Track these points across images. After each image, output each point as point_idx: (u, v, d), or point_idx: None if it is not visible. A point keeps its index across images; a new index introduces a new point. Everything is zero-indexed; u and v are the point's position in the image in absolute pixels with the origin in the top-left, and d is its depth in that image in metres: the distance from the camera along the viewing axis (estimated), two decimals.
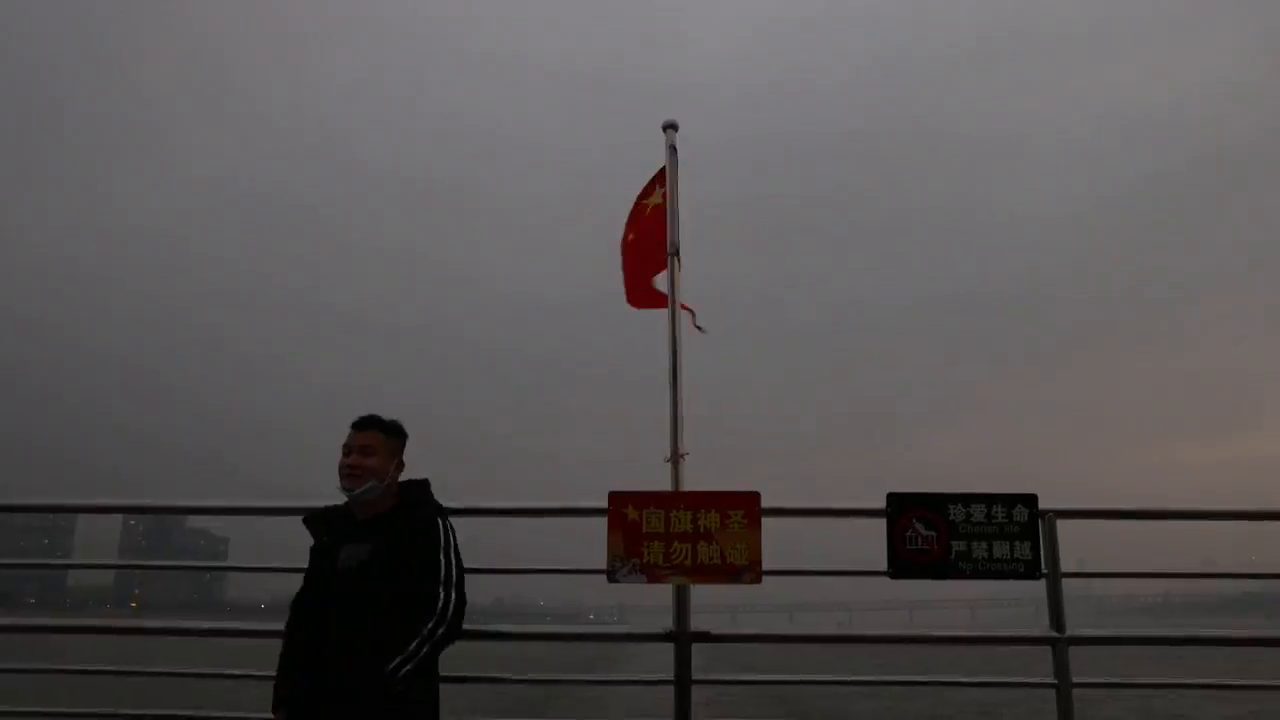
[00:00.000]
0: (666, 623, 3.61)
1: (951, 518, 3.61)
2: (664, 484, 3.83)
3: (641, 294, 4.46)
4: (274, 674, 3.19)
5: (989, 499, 3.64)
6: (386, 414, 3.29)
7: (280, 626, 3.27)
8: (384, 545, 3.08)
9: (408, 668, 2.90)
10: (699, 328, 4.31)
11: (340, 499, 3.26)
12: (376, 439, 3.22)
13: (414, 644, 2.93)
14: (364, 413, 3.28)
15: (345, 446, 3.21)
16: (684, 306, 4.24)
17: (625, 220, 4.58)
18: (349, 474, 3.15)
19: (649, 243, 4.42)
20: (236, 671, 3.81)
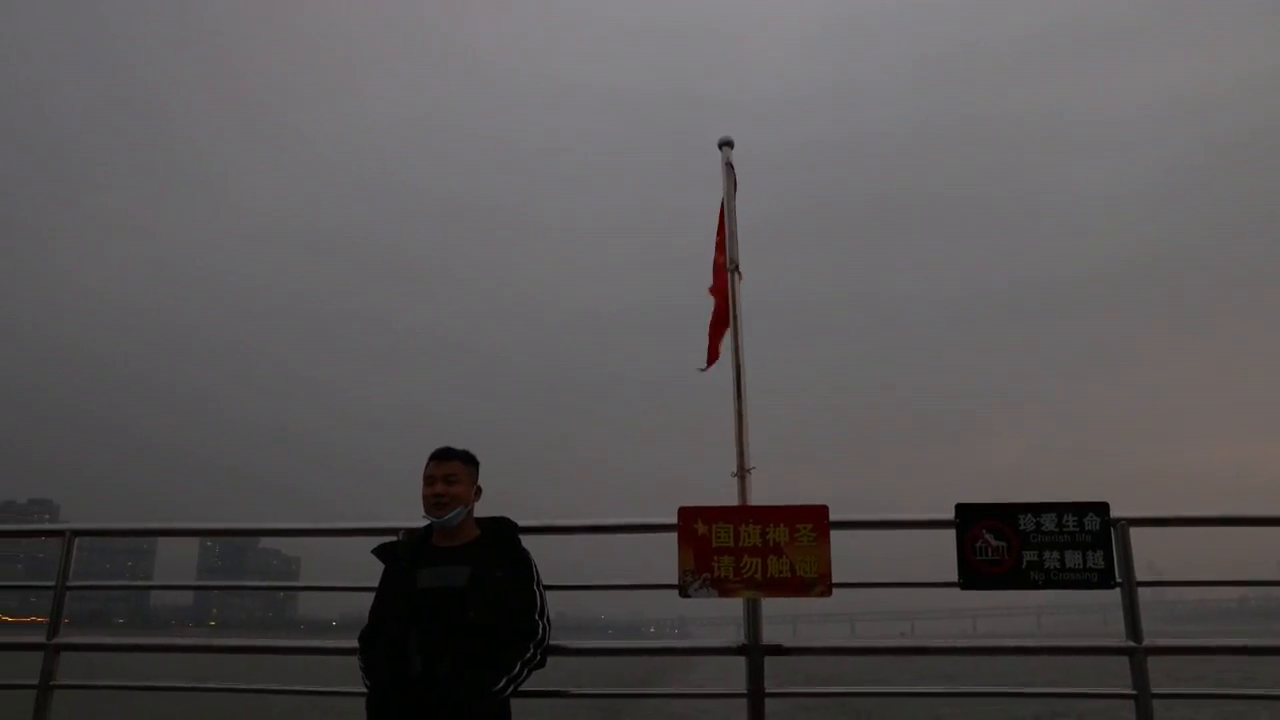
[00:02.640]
0: (730, 636, 3.66)
1: (1022, 528, 3.61)
2: (731, 498, 3.89)
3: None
4: (347, 690, 3.34)
5: (1060, 508, 3.62)
6: (450, 435, 3.48)
7: (350, 644, 3.43)
8: (481, 572, 3.25)
9: (511, 689, 3.16)
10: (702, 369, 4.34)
11: (403, 525, 3.54)
12: (458, 468, 3.42)
13: (517, 666, 3.17)
14: (440, 444, 3.47)
15: (429, 477, 3.40)
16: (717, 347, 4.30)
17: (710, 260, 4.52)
18: (437, 502, 3.35)
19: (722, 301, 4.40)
20: (317, 688, 3.95)
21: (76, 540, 4.28)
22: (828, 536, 3.54)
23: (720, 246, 4.46)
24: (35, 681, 4.02)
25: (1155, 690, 3.51)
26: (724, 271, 4.39)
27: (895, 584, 3.84)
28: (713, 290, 4.41)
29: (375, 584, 3.46)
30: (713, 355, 4.36)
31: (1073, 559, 3.57)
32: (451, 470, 3.39)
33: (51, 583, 4.21)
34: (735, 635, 3.90)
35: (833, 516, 3.56)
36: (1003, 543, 3.60)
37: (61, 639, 4.11)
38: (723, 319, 4.34)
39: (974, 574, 3.59)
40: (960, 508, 3.65)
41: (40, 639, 4.09)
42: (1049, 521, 3.61)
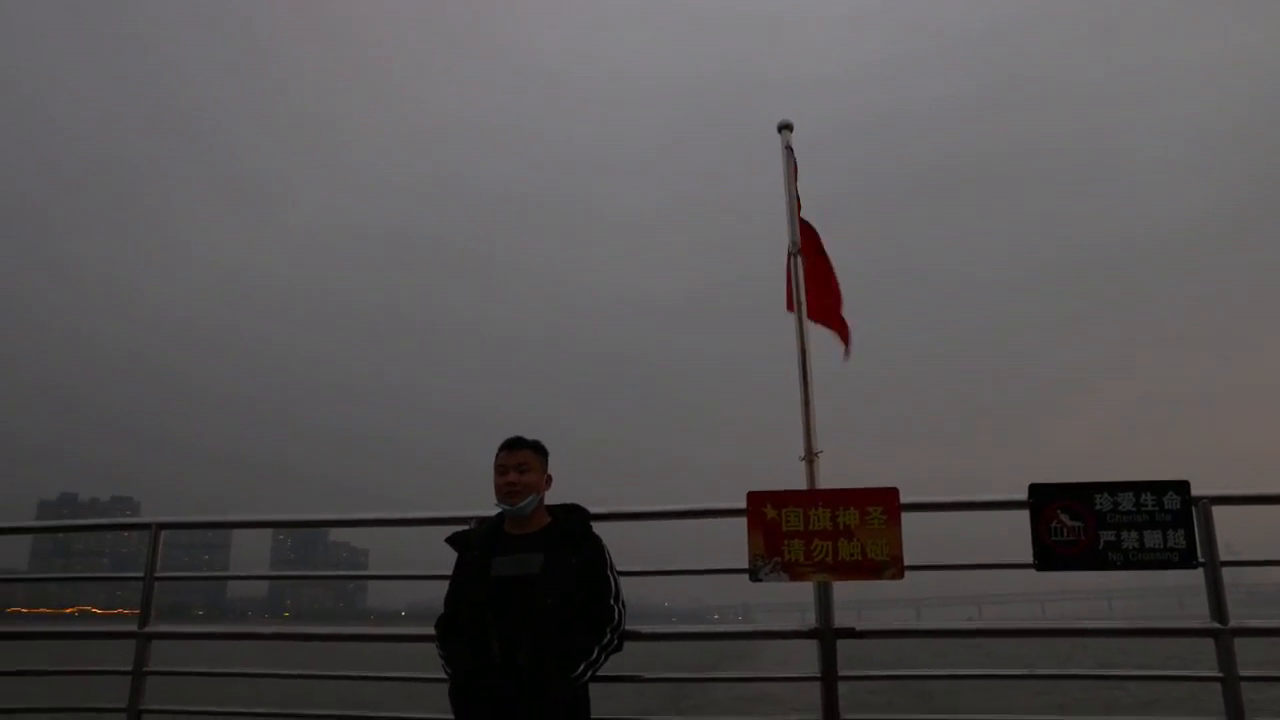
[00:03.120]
0: (793, 621, 3.66)
1: (1098, 507, 3.53)
2: (798, 483, 3.88)
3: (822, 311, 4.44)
4: (428, 676, 3.42)
5: (1138, 487, 3.53)
6: (511, 427, 3.56)
7: (420, 631, 3.52)
8: (554, 559, 3.29)
9: (589, 674, 3.21)
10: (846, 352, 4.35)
11: (475, 514, 3.59)
12: (529, 456, 3.46)
13: (595, 652, 3.21)
14: (510, 434, 3.52)
15: (501, 466, 3.45)
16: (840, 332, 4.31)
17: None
18: (510, 491, 3.40)
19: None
20: (397, 674, 4.05)
21: (162, 534, 4.46)
22: (899, 519, 3.51)
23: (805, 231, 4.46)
24: (129, 668, 4.20)
25: (1243, 673, 3.42)
26: (815, 255, 4.39)
27: (970, 566, 3.80)
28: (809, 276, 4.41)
29: (446, 572, 3.54)
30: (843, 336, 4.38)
31: (1152, 539, 3.49)
32: (523, 459, 3.43)
33: (140, 574, 4.40)
34: (799, 621, 3.90)
35: (903, 499, 3.53)
36: (1078, 523, 3.53)
37: (152, 628, 4.27)
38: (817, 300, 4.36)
39: (1049, 555, 3.53)
40: (1034, 488, 3.58)
41: (132, 628, 4.26)
42: (1126, 501, 3.52)
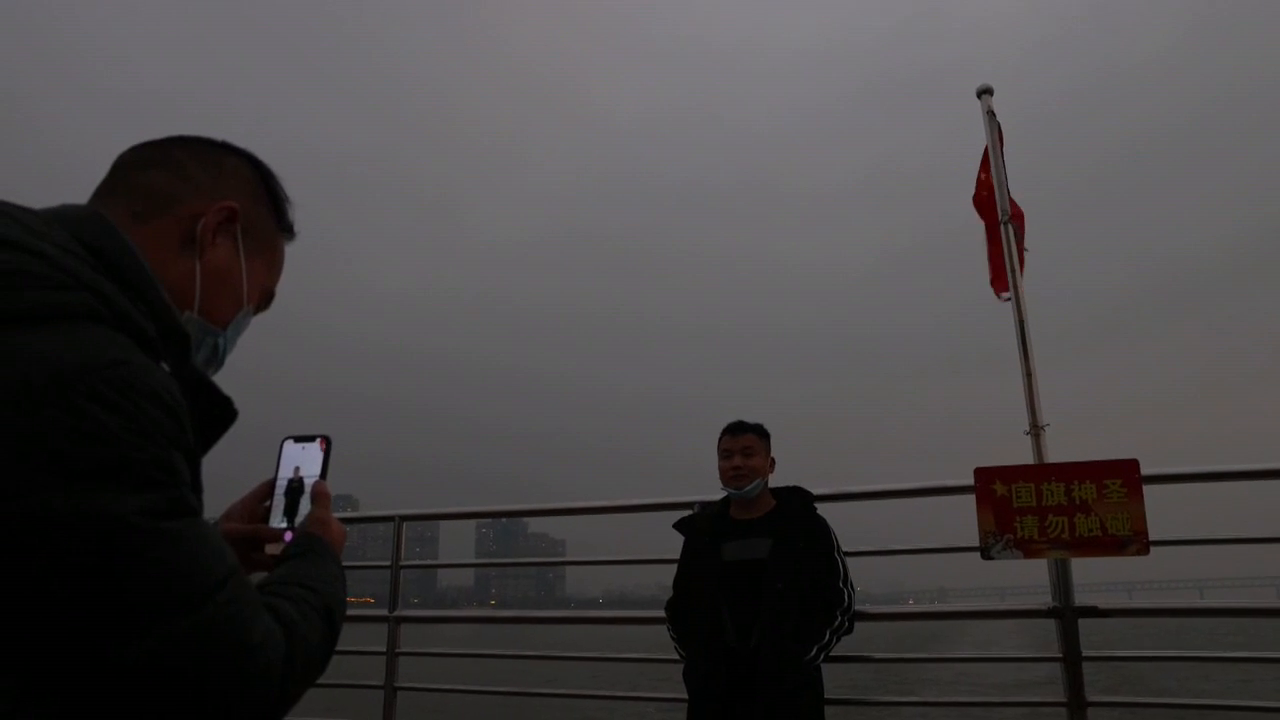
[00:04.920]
0: (994, 604, 3.50)
1: None
2: (1024, 457, 3.73)
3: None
4: (662, 657, 3.54)
5: None
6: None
7: (623, 615, 3.63)
8: (784, 542, 3.33)
9: (822, 656, 3.23)
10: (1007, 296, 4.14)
11: (698, 499, 3.66)
12: (753, 440, 3.51)
13: (827, 635, 3.23)
14: (733, 419, 3.58)
15: (725, 451, 3.51)
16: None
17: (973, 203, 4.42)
18: (736, 475, 3.46)
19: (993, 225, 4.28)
20: (634, 655, 4.21)
21: (405, 525, 4.86)
22: (1140, 491, 3.31)
23: (983, 196, 4.30)
24: (383, 648, 4.58)
25: None
26: (994, 222, 4.22)
27: (1233, 540, 3.51)
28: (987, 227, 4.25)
29: (650, 556, 3.65)
30: (1000, 283, 4.20)
31: None
32: (747, 443, 3.48)
33: (387, 563, 4.79)
34: (1000, 603, 3.74)
35: (1145, 471, 3.32)
36: None
37: (401, 612, 4.65)
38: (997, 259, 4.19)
39: None
40: None
41: (384, 613, 4.65)
42: None
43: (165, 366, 0.90)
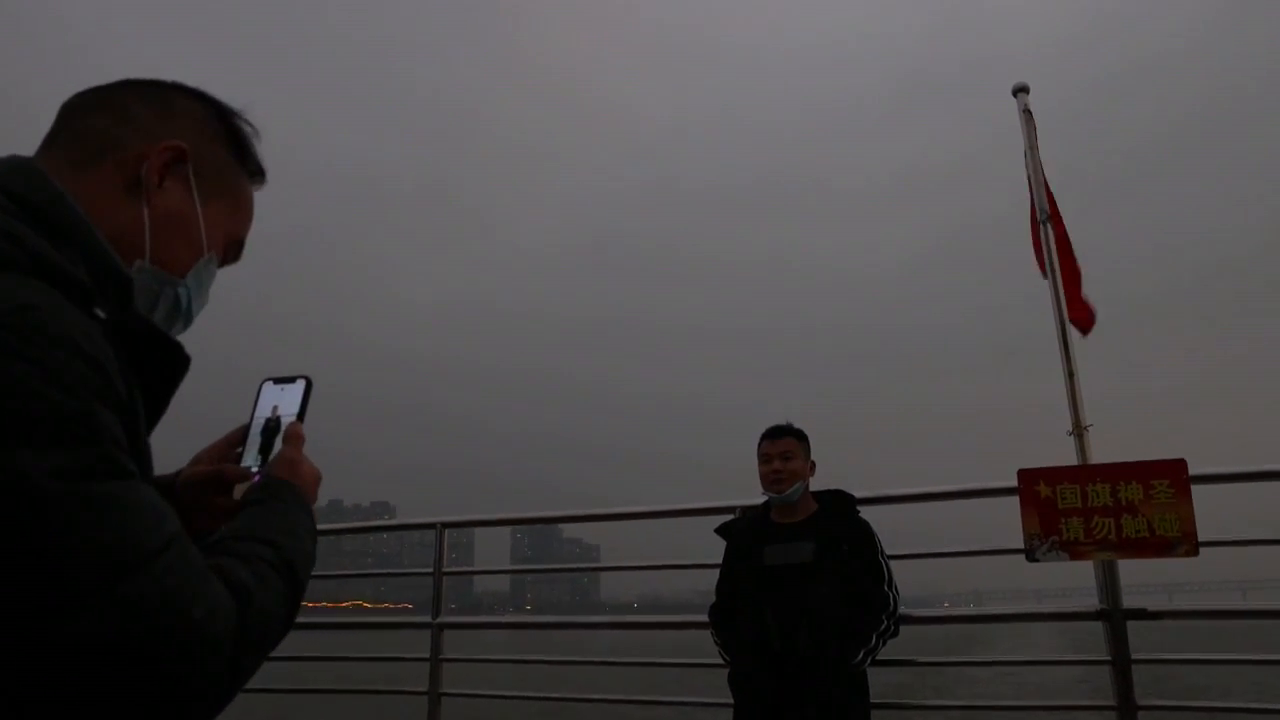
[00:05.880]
0: (1029, 607, 3.47)
1: None
2: (1066, 457, 3.70)
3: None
4: (705, 662, 3.55)
5: None
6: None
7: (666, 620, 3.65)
8: (827, 545, 3.33)
9: (869, 660, 3.21)
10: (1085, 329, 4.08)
11: (739, 503, 3.69)
12: (792, 444, 3.51)
13: (874, 638, 3.21)
14: (772, 423, 3.58)
15: (764, 455, 3.51)
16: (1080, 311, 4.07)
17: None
18: (776, 479, 3.46)
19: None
20: (677, 660, 4.23)
21: (447, 532, 4.89)
22: (1188, 492, 3.27)
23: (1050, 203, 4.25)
24: (427, 655, 4.63)
25: None
26: (1035, 224, 4.18)
27: None
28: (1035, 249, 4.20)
29: (691, 562, 3.66)
30: (1081, 315, 4.13)
31: None
32: (786, 447, 3.48)
33: (429, 569, 4.84)
34: (1037, 605, 3.72)
35: (1194, 471, 3.28)
36: None
37: (444, 619, 4.69)
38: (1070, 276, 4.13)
39: None
40: None
41: (427, 619, 4.69)
42: None
43: (100, 313, 0.81)
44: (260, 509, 0.94)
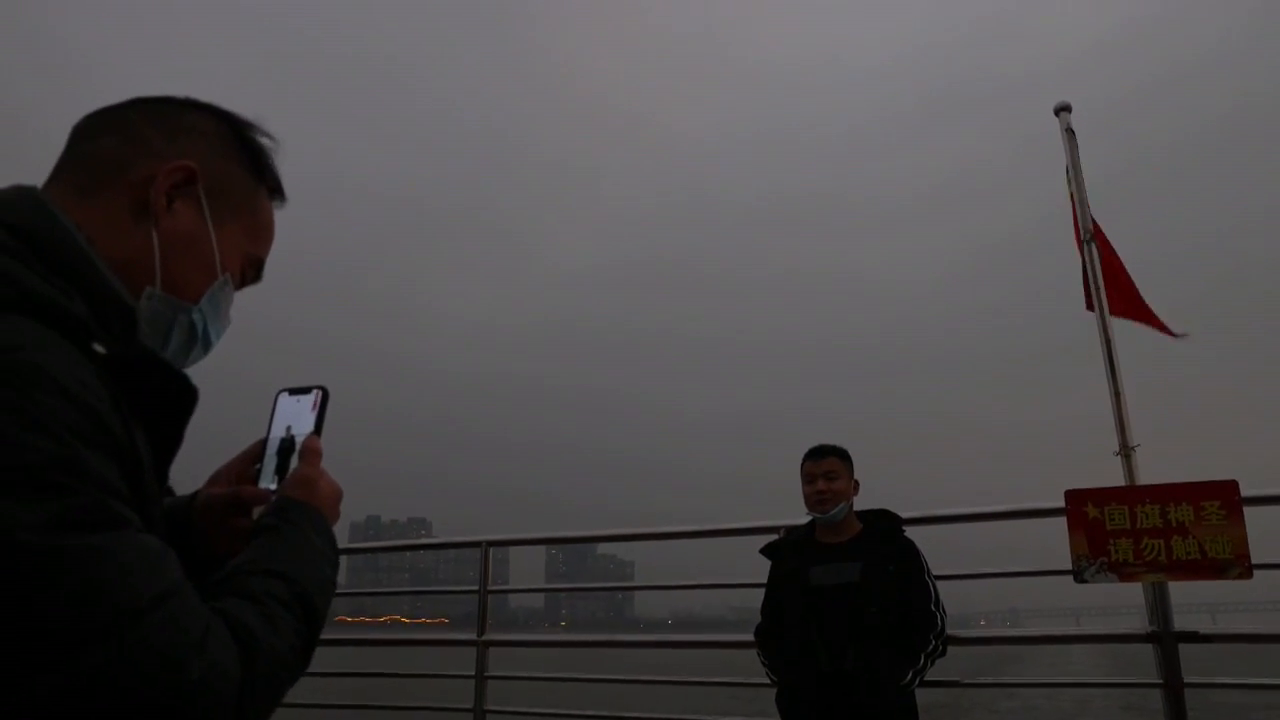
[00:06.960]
0: (1068, 628, 3.43)
1: None
2: (1114, 477, 3.68)
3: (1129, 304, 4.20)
4: (753, 681, 3.56)
5: None
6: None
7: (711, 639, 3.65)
8: (872, 566, 3.33)
9: (917, 681, 3.22)
10: (1172, 333, 4.08)
11: (783, 523, 3.71)
12: (836, 464, 3.52)
13: (922, 659, 3.21)
14: (814, 444, 3.59)
15: (808, 475, 3.53)
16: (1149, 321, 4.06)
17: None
18: (820, 499, 3.47)
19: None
20: (723, 679, 4.24)
21: (491, 550, 4.95)
22: (1240, 514, 3.23)
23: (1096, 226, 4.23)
24: (472, 673, 4.67)
25: None
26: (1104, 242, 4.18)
27: None
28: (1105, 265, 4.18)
29: (730, 581, 3.66)
30: (1151, 321, 4.14)
31: None
32: (830, 467, 3.49)
33: (475, 588, 4.89)
34: (1070, 628, 3.68)
35: (1246, 493, 3.25)
36: None
37: (489, 636, 4.74)
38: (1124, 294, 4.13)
39: None
40: None
41: (472, 636, 4.74)
42: None
43: (100, 348, 0.77)
44: (272, 536, 0.89)
